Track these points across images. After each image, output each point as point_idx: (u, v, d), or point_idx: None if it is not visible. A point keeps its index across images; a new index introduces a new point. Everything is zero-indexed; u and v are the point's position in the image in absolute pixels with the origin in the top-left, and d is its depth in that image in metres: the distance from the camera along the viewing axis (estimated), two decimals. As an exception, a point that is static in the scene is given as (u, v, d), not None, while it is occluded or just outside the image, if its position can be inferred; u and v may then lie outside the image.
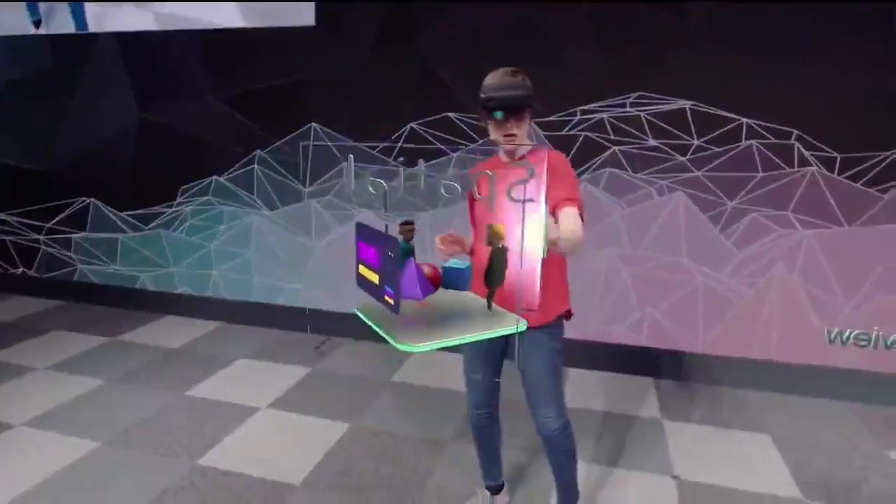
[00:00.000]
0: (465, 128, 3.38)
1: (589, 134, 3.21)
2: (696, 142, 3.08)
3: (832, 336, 3.04)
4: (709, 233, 3.13)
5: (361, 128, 3.58)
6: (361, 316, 0.96)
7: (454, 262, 1.02)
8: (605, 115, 3.18)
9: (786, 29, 2.86)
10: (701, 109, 3.04)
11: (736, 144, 3.03)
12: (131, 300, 4.34)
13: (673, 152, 3.12)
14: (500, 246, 0.94)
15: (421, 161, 0.97)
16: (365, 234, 0.91)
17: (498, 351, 1.91)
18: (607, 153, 3.21)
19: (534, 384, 1.82)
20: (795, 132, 2.94)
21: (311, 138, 3.70)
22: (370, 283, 0.91)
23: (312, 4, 3.54)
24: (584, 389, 3.17)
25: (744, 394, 3.13)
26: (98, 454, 2.49)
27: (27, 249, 4.59)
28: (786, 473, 2.43)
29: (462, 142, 3.38)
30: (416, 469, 2.43)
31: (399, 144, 3.51)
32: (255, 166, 3.87)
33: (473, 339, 0.89)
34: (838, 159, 2.92)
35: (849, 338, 3.02)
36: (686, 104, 3.06)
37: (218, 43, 3.77)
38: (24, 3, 4.12)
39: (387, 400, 3.05)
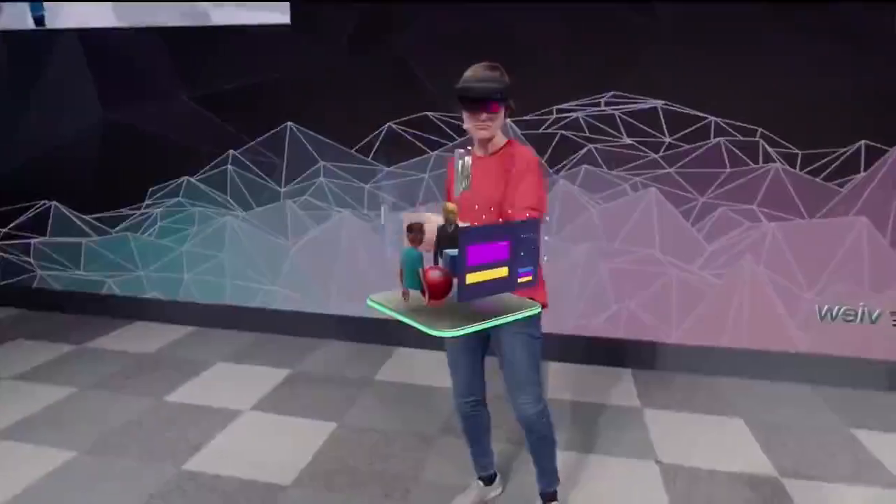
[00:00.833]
0: (443, 126, 3.41)
1: (565, 132, 3.30)
2: (667, 139, 3.20)
3: (797, 322, 3.21)
4: (681, 227, 3.26)
5: (339, 127, 3.56)
6: (378, 307, 0.99)
7: (451, 251, 1.06)
8: (580, 114, 3.27)
9: (749, 30, 3.00)
10: (672, 108, 3.16)
11: (705, 142, 3.16)
12: (97, 306, 4.18)
13: (646, 150, 3.23)
14: (455, 225, 0.98)
15: (384, 207, 1.00)
16: (474, 235, 0.90)
17: (480, 337, 1.91)
18: (583, 151, 3.30)
19: (511, 370, 1.85)
20: (760, 130, 3.10)
21: (287, 138, 3.66)
22: (491, 282, 0.92)
23: (287, 5, 3.51)
24: (565, 382, 3.24)
25: (717, 380, 3.26)
26: (77, 463, 2.40)
27: (-18, 256, 4.38)
28: (760, 453, 2.55)
29: (441, 140, 3.41)
30: (408, 464, 2.44)
31: (377, 144, 3.52)
32: (229, 166, 3.80)
33: (500, 322, 0.95)
34: (800, 155, 3.09)
35: (811, 323, 3.19)
36: (658, 103, 3.17)
37: (189, 41, 3.69)
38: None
39: (371, 398, 3.05)
